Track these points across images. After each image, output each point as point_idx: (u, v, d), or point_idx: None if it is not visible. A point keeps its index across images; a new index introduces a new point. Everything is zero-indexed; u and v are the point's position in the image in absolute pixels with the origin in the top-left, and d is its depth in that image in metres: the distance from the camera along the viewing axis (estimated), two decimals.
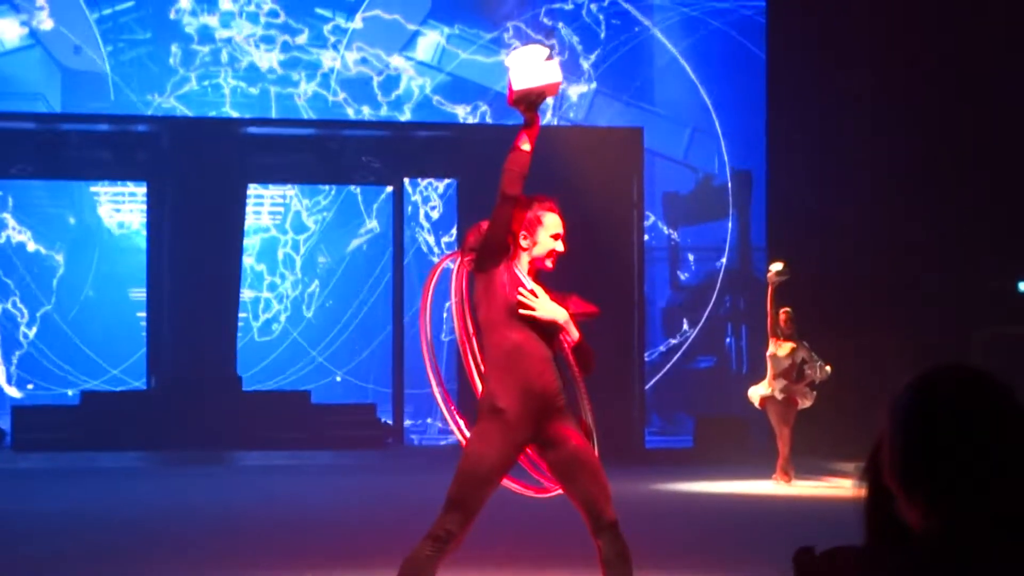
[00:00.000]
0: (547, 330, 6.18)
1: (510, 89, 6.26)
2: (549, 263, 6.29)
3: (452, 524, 6.03)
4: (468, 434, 6.38)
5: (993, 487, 2.09)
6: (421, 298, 6.93)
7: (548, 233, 6.25)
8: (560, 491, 6.45)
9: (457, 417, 6.68)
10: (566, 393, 6.26)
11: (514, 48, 6.70)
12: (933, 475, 2.10)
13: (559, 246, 6.30)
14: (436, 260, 6.58)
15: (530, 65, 6.27)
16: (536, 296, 6.17)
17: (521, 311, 6.12)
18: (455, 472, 6.11)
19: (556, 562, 9.63)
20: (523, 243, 6.23)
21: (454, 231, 22.95)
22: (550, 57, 6.36)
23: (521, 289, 6.15)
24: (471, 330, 6.59)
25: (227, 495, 15.02)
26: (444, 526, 6.04)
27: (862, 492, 2.19)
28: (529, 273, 6.26)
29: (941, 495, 2.10)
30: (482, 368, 6.45)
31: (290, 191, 25.42)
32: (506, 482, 6.29)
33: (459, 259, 6.54)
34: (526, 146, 6.12)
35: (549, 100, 8.02)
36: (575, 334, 6.24)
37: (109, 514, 12.94)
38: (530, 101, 6.21)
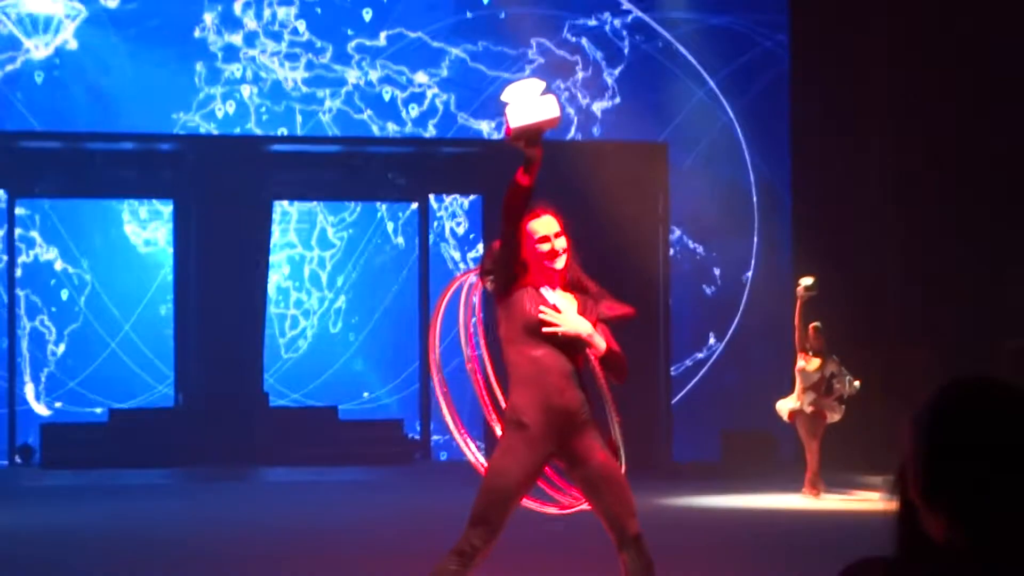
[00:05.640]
0: (571, 344, 6.17)
1: (507, 126, 6.21)
2: (557, 264, 6.26)
3: (477, 539, 6.04)
4: (479, 456, 6.41)
5: (1015, 501, 2.08)
6: (433, 314, 6.95)
7: (535, 240, 6.23)
8: (578, 507, 6.45)
9: (468, 440, 6.69)
10: (592, 406, 6.25)
11: (516, 80, 6.56)
12: (954, 488, 2.10)
13: (558, 244, 6.28)
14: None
15: (527, 101, 6.21)
16: (559, 311, 6.16)
17: (545, 331, 6.11)
18: (480, 487, 6.12)
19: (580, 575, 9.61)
20: (525, 264, 6.25)
21: (480, 247, 22.95)
22: (547, 91, 6.32)
23: (542, 307, 6.14)
24: (481, 348, 6.63)
25: (254, 511, 15.04)
26: (469, 541, 6.05)
27: (892, 505, 2.19)
28: (555, 281, 6.27)
29: (962, 509, 2.09)
30: (493, 387, 6.47)
31: (315, 207, 25.46)
32: (524, 501, 6.30)
33: (476, 277, 6.55)
34: (526, 181, 6.11)
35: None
36: (601, 346, 6.22)
37: (137, 531, 12.96)
38: (529, 136, 6.17)
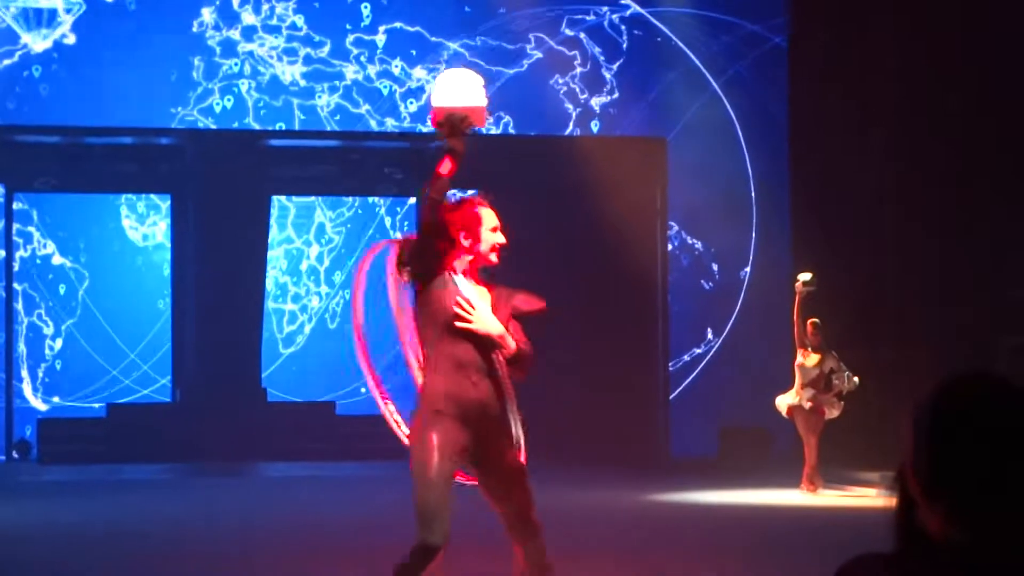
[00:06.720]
0: (484, 339, 6.22)
1: (431, 107, 6.22)
2: (494, 256, 6.32)
3: (429, 534, 6.07)
4: (403, 428, 6.50)
5: (1014, 497, 2.07)
6: (353, 285, 7.07)
7: (488, 227, 6.30)
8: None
9: (395, 415, 6.77)
10: (501, 401, 6.31)
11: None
12: (952, 483, 2.09)
13: (500, 238, 6.33)
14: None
15: (455, 85, 6.19)
16: (473, 308, 6.19)
17: (457, 323, 6.15)
18: (412, 485, 6.16)
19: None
20: (465, 243, 6.26)
21: None
22: (484, 86, 6.32)
23: (459, 299, 6.18)
24: (408, 324, 6.74)
25: (252, 507, 15.04)
26: (423, 538, 6.09)
27: (892, 500, 2.18)
28: (471, 273, 6.30)
29: (961, 504, 2.08)
30: (421, 363, 6.55)
31: (314, 202, 25.48)
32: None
33: (394, 246, 6.64)
34: (447, 174, 6.11)
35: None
36: (511, 346, 6.26)
37: (135, 526, 12.96)
38: (452, 125, 6.15)
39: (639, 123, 24.67)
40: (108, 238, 24.63)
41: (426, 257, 6.20)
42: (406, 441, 6.38)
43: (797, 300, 15.94)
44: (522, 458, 6.36)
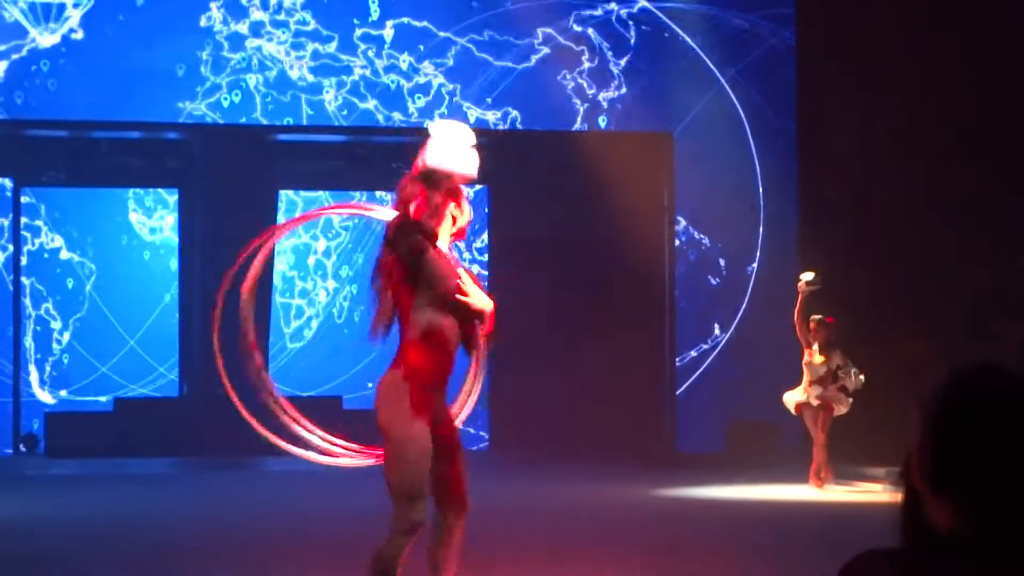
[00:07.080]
0: (468, 315, 6.32)
1: (422, 160, 6.27)
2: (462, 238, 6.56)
3: (413, 512, 6.09)
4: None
5: (1020, 490, 2.07)
6: (223, 283, 7.27)
7: (465, 201, 6.47)
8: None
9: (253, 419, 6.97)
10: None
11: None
12: (959, 477, 2.09)
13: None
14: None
15: (454, 147, 6.22)
16: (466, 282, 6.36)
17: (459, 297, 6.24)
18: (395, 462, 6.16)
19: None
20: (455, 212, 6.38)
21: (485, 236, 22.96)
22: (474, 147, 6.43)
23: (459, 273, 6.33)
24: (251, 309, 6.97)
25: (260, 500, 15.05)
26: (406, 516, 6.10)
27: (898, 494, 2.18)
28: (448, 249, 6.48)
29: (968, 497, 2.08)
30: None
31: (321, 196, 25.48)
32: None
33: (273, 235, 6.93)
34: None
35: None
36: (492, 324, 6.42)
37: (142, 520, 12.98)
38: (432, 182, 6.25)
39: (646, 118, 24.65)
40: (115, 232, 24.65)
41: (416, 236, 6.23)
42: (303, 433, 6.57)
43: (799, 299, 15.92)
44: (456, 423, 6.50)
